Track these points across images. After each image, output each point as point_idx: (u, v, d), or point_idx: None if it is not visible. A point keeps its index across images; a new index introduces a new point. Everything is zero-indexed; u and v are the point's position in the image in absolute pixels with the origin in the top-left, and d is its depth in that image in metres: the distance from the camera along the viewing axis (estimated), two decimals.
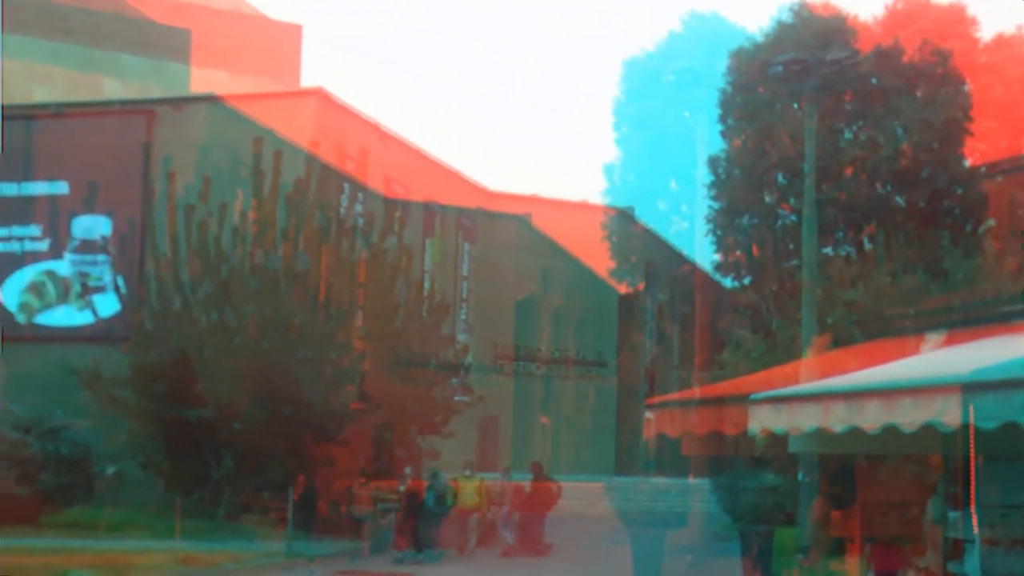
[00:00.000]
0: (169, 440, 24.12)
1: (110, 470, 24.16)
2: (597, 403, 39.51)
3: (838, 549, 16.05)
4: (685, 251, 43.68)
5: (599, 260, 40.90)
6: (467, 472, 22.74)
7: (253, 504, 23.39)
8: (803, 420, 14.24)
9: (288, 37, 46.29)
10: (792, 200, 29.14)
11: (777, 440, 19.23)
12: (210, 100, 32.21)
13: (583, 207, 42.85)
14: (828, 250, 28.97)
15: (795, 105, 28.77)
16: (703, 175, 32.40)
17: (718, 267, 31.25)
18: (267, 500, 23.06)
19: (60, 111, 31.96)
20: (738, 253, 30.19)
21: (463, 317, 36.01)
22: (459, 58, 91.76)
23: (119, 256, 30.09)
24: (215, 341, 24.32)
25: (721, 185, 30.79)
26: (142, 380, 24.64)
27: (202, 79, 38.57)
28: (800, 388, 15.43)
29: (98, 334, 29.44)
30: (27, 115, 31.82)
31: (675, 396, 23.00)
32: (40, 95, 36.02)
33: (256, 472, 23.69)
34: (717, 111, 32.35)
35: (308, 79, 54.73)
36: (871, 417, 10.67)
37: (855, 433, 11.12)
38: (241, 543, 21.22)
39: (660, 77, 51.49)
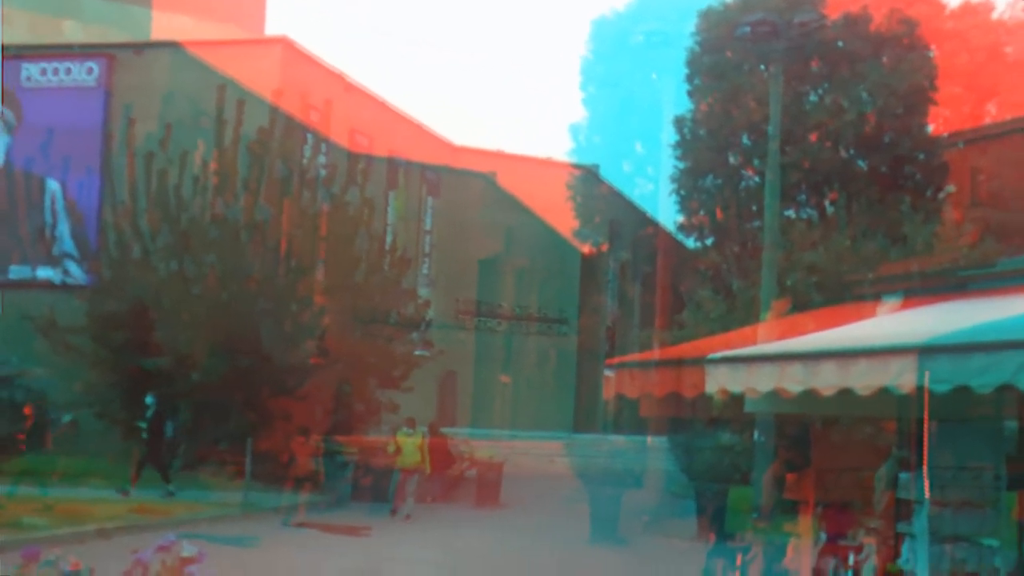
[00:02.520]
0: (126, 390, 23.91)
1: (65, 418, 23.96)
2: (558, 362, 39.63)
3: (791, 510, 16.24)
4: (649, 212, 43.77)
5: (563, 219, 40.86)
6: (407, 429, 21.52)
7: (210, 456, 23.30)
8: (759, 381, 14.31)
9: None
10: (756, 162, 29.19)
11: (734, 400, 19.39)
12: (172, 46, 31.69)
13: (548, 164, 42.75)
14: (790, 213, 29.11)
15: (762, 68, 28.76)
16: (669, 135, 32.39)
17: (681, 228, 31.30)
18: (224, 452, 22.98)
19: (19, 53, 31.31)
20: (701, 214, 30.25)
21: (425, 272, 35.90)
22: (427, 11, 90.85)
23: (76, 204, 29.65)
24: (174, 291, 24.10)
25: (686, 146, 30.78)
26: (100, 329, 24.39)
27: (164, 24, 37.92)
28: (757, 348, 15.52)
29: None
30: None
31: (635, 357, 23.10)
32: None
33: (213, 424, 23.59)
34: (685, 72, 32.27)
35: (273, 27, 54.12)
36: (827, 379, 10.73)
37: (811, 395, 11.19)
38: (197, 494, 21.15)
39: (629, 38, 51.31)
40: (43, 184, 30.24)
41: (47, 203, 30.13)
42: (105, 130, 29.66)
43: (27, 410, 20.58)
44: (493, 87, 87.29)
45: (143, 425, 21.20)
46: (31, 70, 30.89)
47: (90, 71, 30.82)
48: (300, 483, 20.41)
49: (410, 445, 20.98)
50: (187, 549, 6.16)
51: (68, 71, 30.87)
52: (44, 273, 29.68)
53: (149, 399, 21.46)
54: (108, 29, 36.39)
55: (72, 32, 37.31)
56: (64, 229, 29.77)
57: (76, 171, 29.97)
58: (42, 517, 17.16)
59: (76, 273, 28.53)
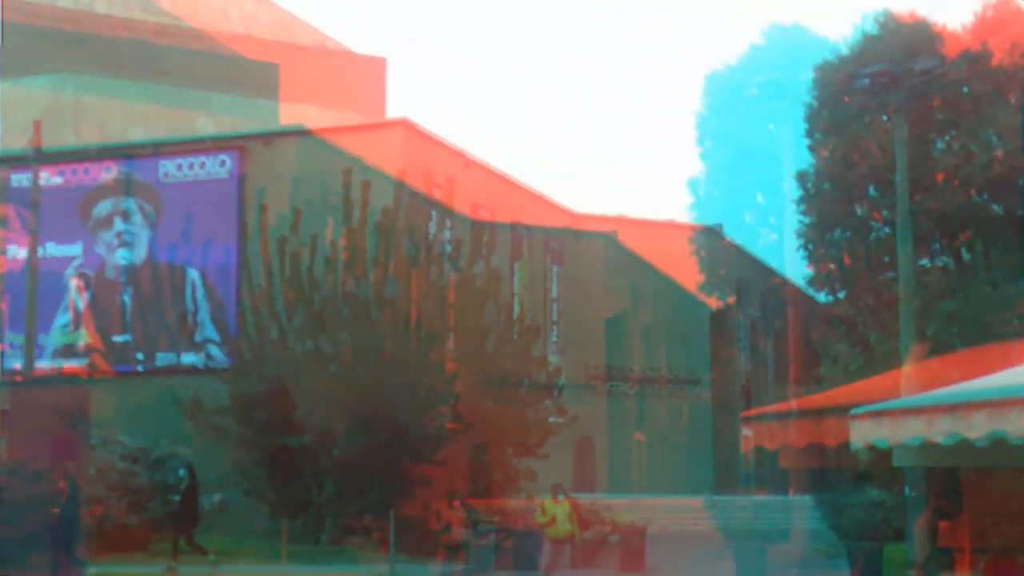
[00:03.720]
0: (271, 467, 24.55)
1: (215, 497, 24.67)
2: (692, 420, 39.21)
3: (948, 562, 15.73)
4: (775, 265, 43.29)
5: (687, 275, 40.72)
6: (558, 495, 20.64)
7: (355, 527, 23.63)
8: (906, 433, 13.98)
9: (372, 70, 47.12)
10: (884, 212, 28.73)
11: (880, 454, 18.92)
12: (299, 134, 32.88)
13: (669, 226, 42.75)
14: (924, 261, 28.51)
15: (884, 117, 28.43)
16: (791, 190, 32.15)
17: (811, 281, 30.92)
18: (368, 523, 23.29)
19: (156, 150, 32.89)
20: (831, 266, 29.86)
21: (554, 339, 36.09)
22: (540, 80, 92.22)
23: (215, 289, 30.80)
24: (311, 369, 24.71)
25: (810, 199, 30.52)
26: (242, 409, 25.13)
27: (290, 114, 39.45)
28: (902, 400, 15.18)
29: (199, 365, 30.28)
30: (127, 154, 32.84)
31: (772, 408, 22.78)
32: (135, 135, 37.12)
33: (357, 496, 23.97)
34: (803, 125, 32.11)
35: (393, 110, 55.65)
36: (978, 428, 10.46)
37: (962, 445, 10.91)
38: (345, 566, 21.47)
39: (743, 90, 51.28)
40: (184, 273, 31.52)
41: (188, 291, 31.37)
42: (239, 218, 30.82)
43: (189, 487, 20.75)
44: (610, 149, 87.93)
45: (176, 498, 21.15)
46: (168, 166, 32.35)
47: (223, 163, 32.12)
48: (450, 552, 20.22)
49: (561, 514, 20.14)
50: None
51: (202, 165, 32.22)
52: (188, 358, 30.84)
53: (182, 472, 21.55)
54: (238, 121, 38.02)
55: (204, 126, 39.08)
56: (205, 315, 30.92)
57: (214, 259, 31.17)
58: None
59: (218, 356, 29.55)
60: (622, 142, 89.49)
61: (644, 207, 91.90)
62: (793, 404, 22.25)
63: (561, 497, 20.43)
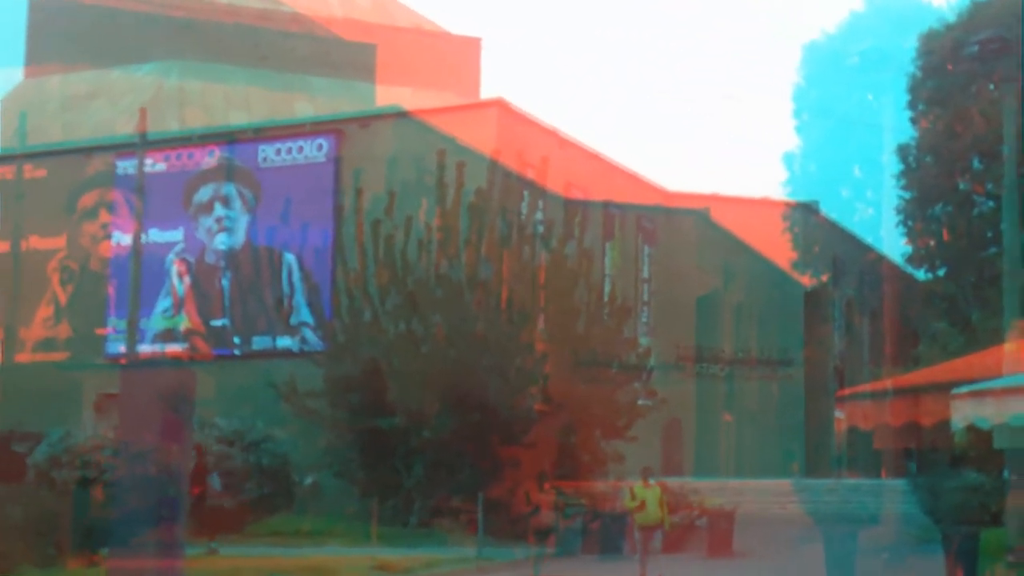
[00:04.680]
0: (363, 449, 24.95)
1: (308, 480, 25.18)
2: (783, 401, 38.55)
3: None
4: (871, 241, 42.16)
5: (780, 253, 39.97)
6: (648, 479, 19.14)
7: (445, 509, 23.89)
8: (1010, 413, 13.60)
9: (468, 50, 47.21)
10: (989, 185, 27.82)
11: (979, 435, 18.31)
12: (395, 116, 33.15)
13: (763, 203, 41.98)
14: None
15: (990, 86, 27.48)
16: (892, 164, 31.34)
17: (910, 258, 30.14)
18: (457, 505, 23.52)
19: (256, 135, 33.54)
20: (931, 243, 29.05)
21: (644, 320, 35.82)
22: (634, 57, 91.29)
23: (311, 273, 31.33)
24: (404, 351, 24.99)
25: (911, 173, 29.73)
26: (336, 391, 25.56)
27: (387, 96, 39.77)
28: (1006, 379, 14.70)
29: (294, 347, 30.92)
30: (228, 139, 33.57)
31: (868, 387, 22.24)
32: (237, 119, 37.89)
33: (446, 478, 24.23)
34: (905, 96, 31.22)
35: (488, 90, 55.74)
36: None
37: None
38: (433, 548, 21.72)
39: (842, 60, 49.96)
40: (281, 257, 32.13)
41: (284, 275, 31.97)
42: (336, 201, 31.25)
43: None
44: (705, 125, 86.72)
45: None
46: (267, 151, 32.93)
47: (320, 147, 32.57)
48: (538, 535, 20.00)
49: (652, 499, 18.76)
50: None
51: (300, 149, 32.71)
52: (283, 342, 31.46)
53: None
54: (336, 104, 38.50)
55: (303, 109, 39.68)
56: (301, 299, 31.48)
57: (310, 242, 31.69)
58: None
59: (312, 340, 30.07)
60: (717, 118, 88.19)
61: (738, 184, 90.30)
62: (889, 383, 21.74)
63: (652, 481, 19.29)
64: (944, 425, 14.70)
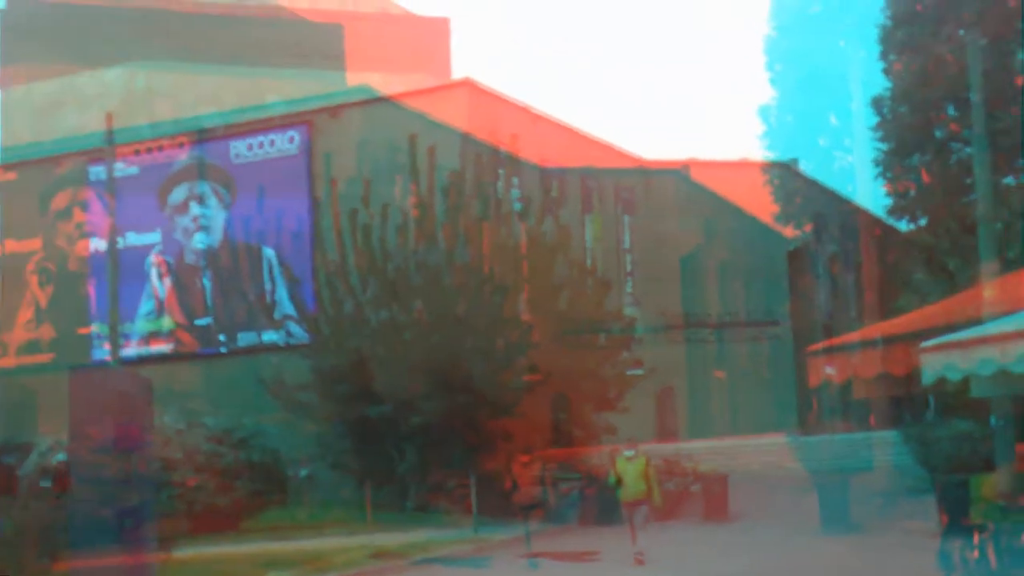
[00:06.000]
0: (355, 438, 24.92)
1: (303, 472, 25.18)
2: (772, 361, 38.66)
3: None
4: (852, 193, 42.15)
5: (762, 207, 39.93)
6: (628, 452, 18.37)
7: (440, 491, 23.89)
8: (979, 363, 13.63)
9: (436, 31, 46.95)
10: (966, 132, 27.75)
11: (965, 383, 18.35)
12: (364, 103, 32.99)
13: (742, 165, 41.96)
14: (1009, 179, 27.53)
15: (960, 31, 27.40)
16: (864, 112, 31.32)
17: (891, 210, 30.10)
18: (453, 485, 23.51)
19: (227, 131, 33.36)
20: (912, 192, 29.03)
21: (629, 290, 35.80)
22: (602, 26, 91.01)
23: (291, 266, 31.22)
24: (387, 339, 24.92)
25: (887, 125, 29.67)
26: (323, 383, 25.51)
27: (357, 83, 39.54)
28: (973, 331, 14.75)
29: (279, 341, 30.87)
30: (198, 139, 33.38)
31: (837, 341, 22.26)
32: (208, 115, 37.64)
33: (439, 460, 24.21)
34: (875, 45, 31.13)
35: (459, 70, 55.47)
36: None
37: None
38: (431, 532, 21.74)
39: (809, 7, 49.76)
40: (260, 252, 32.02)
41: (265, 270, 31.86)
42: (310, 193, 31.11)
43: None
44: (677, 87, 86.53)
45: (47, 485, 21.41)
46: (239, 147, 32.78)
47: (292, 139, 32.42)
48: (526, 512, 19.79)
49: (632, 473, 17.99)
50: None
51: (272, 143, 32.57)
52: (269, 336, 31.39)
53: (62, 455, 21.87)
54: (306, 93, 38.25)
55: (273, 101, 39.43)
56: (283, 292, 31.38)
57: (287, 235, 31.59)
58: (289, 567, 18.08)
59: (297, 333, 29.99)
60: (689, 79, 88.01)
61: (716, 146, 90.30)
62: (859, 335, 21.74)
63: (630, 453, 18.34)
64: (918, 374, 14.75)
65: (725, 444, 30.26)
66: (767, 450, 29.24)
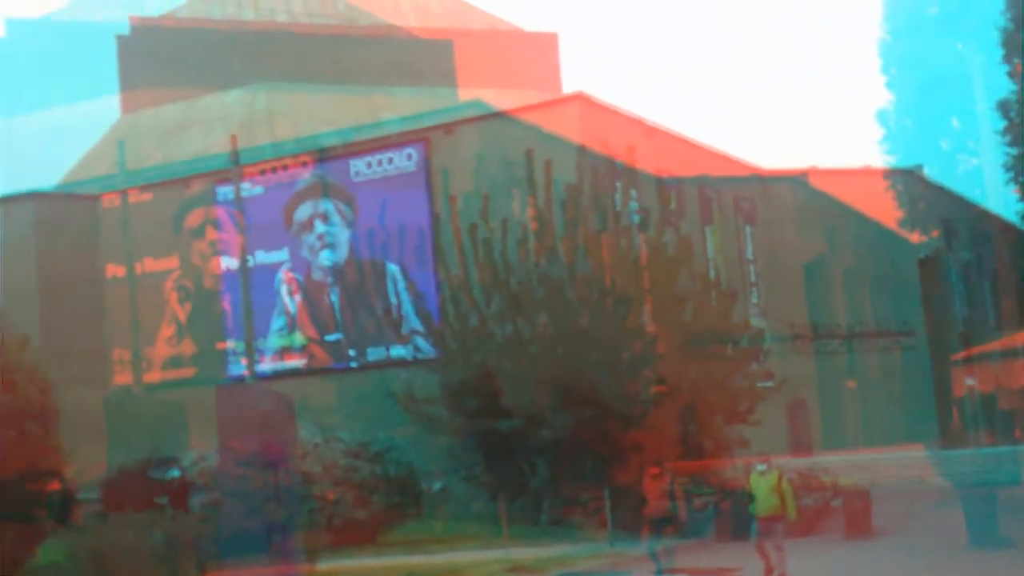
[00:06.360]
0: (486, 452, 25.11)
1: (436, 486, 25.46)
2: (906, 370, 37.80)
3: None
4: (980, 197, 41.04)
5: (885, 214, 39.15)
6: (760, 467, 18.12)
7: (574, 505, 23.90)
8: None
9: (545, 46, 47.24)
10: None
11: None
12: (478, 119, 33.32)
13: (864, 172, 41.17)
14: None
15: None
16: (992, 120, 30.60)
17: None
18: (586, 499, 23.50)
19: (346, 150, 34.00)
20: None
21: (754, 300, 35.46)
22: (712, 36, 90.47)
23: (415, 281, 31.66)
24: (512, 353, 25.07)
25: (1016, 129, 29.00)
26: (452, 397, 25.74)
27: (468, 99, 40.00)
28: None
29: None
30: (319, 158, 34.07)
31: (983, 349, 21.69)
32: (326, 136, 38.40)
33: (572, 474, 24.25)
34: (996, 50, 30.48)
35: (569, 84, 55.66)
36: None
37: None
38: (566, 546, 21.77)
39: (925, 8, 48.76)
40: (384, 268, 32.52)
41: (390, 285, 32.31)
42: (430, 209, 31.49)
43: None
44: (793, 95, 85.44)
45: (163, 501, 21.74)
46: (358, 165, 33.36)
47: (409, 157, 32.86)
48: (656, 526, 19.57)
49: (764, 489, 17.68)
50: None
51: (390, 160, 33.05)
52: (397, 351, 31.80)
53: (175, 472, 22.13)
54: (420, 112, 38.81)
55: (388, 120, 40.08)
56: (408, 308, 31.78)
57: (409, 251, 32.02)
58: None
59: (424, 347, 30.28)
60: (800, 85, 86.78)
61: (834, 153, 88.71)
62: (1001, 344, 21.15)
63: (761, 468, 17.99)
64: None
65: (861, 457, 29.72)
66: (905, 463, 28.60)
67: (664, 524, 18.76)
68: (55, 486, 20.76)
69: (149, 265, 35.50)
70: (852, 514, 22.12)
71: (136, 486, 23.68)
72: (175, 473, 26.56)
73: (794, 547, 19.57)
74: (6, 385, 20.59)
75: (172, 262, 35.35)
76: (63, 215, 35.63)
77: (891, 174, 40.88)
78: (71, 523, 20.54)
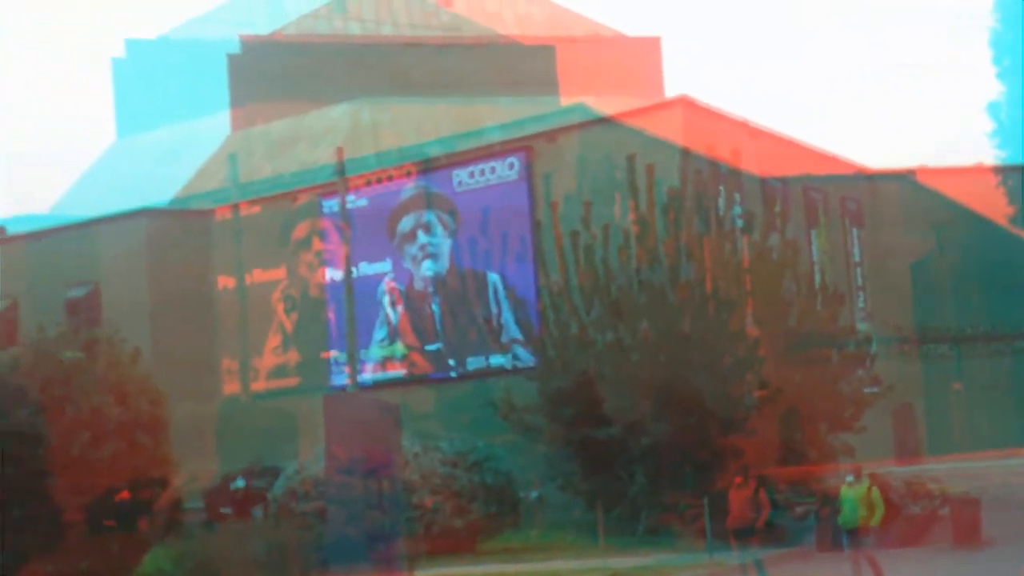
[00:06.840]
0: (583, 460, 25.02)
1: (534, 494, 25.46)
2: (1017, 372, 36.40)
3: None
4: None
5: (996, 211, 37.76)
6: (849, 478, 18.09)
7: (672, 514, 23.64)
8: None
9: (647, 51, 47.02)
10: None
11: None
12: (581, 126, 33.28)
13: (974, 170, 39.80)
14: None
15: None
16: None
17: None
18: (684, 509, 23.23)
19: (449, 160, 34.34)
20: None
21: (861, 305, 34.61)
22: (818, 34, 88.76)
23: (515, 290, 31.78)
24: (613, 360, 24.92)
25: None
26: (551, 405, 25.72)
27: (571, 105, 39.97)
28: None
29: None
30: (423, 169, 34.49)
31: None
32: (429, 147, 38.86)
33: (670, 483, 23.98)
34: None
35: (672, 88, 55.26)
36: None
37: None
38: (663, 555, 21.57)
39: None
40: (485, 277, 32.77)
41: (491, 294, 32.56)
42: (532, 217, 31.59)
43: None
44: (901, 90, 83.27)
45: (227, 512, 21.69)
46: (461, 175, 33.69)
47: (511, 165, 33.04)
48: (738, 537, 19.14)
49: (851, 500, 17.61)
50: None
51: (492, 170, 33.27)
52: (496, 360, 32.02)
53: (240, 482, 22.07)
54: (522, 120, 38.98)
55: (490, 129, 40.38)
56: (508, 316, 31.97)
57: (511, 259, 32.21)
58: None
59: (523, 356, 30.40)
60: (911, 83, 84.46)
61: (942, 149, 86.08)
62: None
63: (850, 479, 17.91)
64: None
65: (970, 464, 28.74)
66: (1016, 470, 27.57)
67: (747, 534, 18.24)
68: (163, 495, 21.42)
69: (258, 276, 36.49)
70: (960, 523, 21.42)
71: (235, 495, 24.25)
72: (240, 484, 27.27)
73: (900, 556, 19.09)
74: (118, 398, 21.37)
75: (279, 273, 36.28)
76: (174, 230, 36.89)
77: (1002, 170, 39.42)
78: (177, 531, 21.17)
